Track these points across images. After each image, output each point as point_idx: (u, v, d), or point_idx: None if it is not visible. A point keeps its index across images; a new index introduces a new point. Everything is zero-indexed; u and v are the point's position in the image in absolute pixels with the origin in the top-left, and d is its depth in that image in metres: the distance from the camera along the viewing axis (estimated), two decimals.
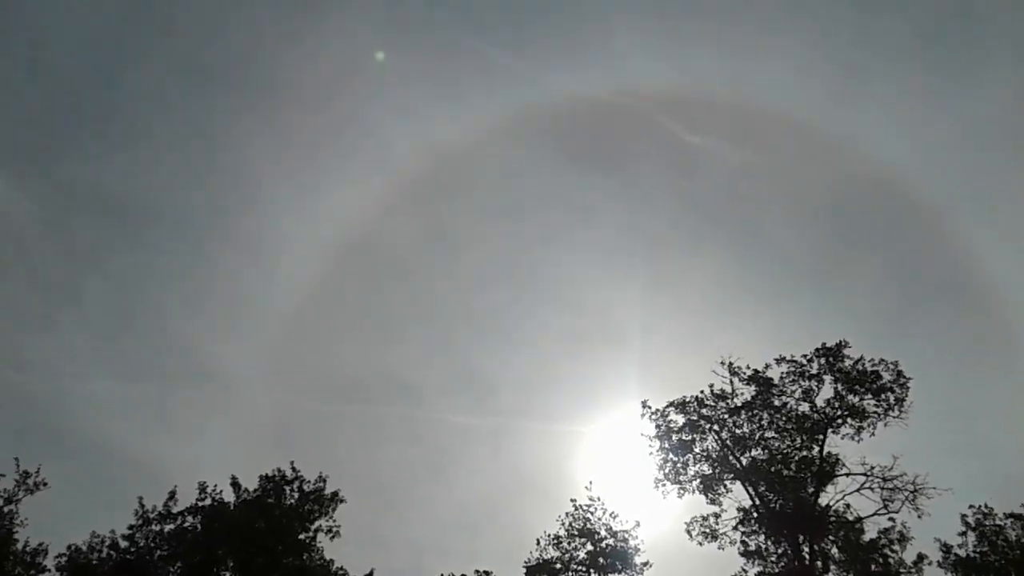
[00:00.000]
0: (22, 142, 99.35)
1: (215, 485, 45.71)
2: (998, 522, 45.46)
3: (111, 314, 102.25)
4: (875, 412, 43.98)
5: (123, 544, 43.71)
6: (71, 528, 55.27)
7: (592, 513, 48.49)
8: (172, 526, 44.49)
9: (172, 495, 45.45)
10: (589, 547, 47.56)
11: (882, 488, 43.10)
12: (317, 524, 45.99)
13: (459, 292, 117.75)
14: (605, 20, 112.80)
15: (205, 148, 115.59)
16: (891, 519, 43.58)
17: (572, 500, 48.79)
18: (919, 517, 42.88)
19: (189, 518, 44.65)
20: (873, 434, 44.34)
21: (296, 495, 46.18)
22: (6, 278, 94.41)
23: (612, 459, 60.13)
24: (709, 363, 47.18)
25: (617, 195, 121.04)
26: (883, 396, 43.92)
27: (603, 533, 47.95)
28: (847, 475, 44.13)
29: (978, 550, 45.21)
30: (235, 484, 45.95)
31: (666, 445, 46.58)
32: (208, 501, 45.12)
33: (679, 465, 46.44)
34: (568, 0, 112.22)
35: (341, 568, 45.89)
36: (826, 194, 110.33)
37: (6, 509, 41.38)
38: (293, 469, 47.01)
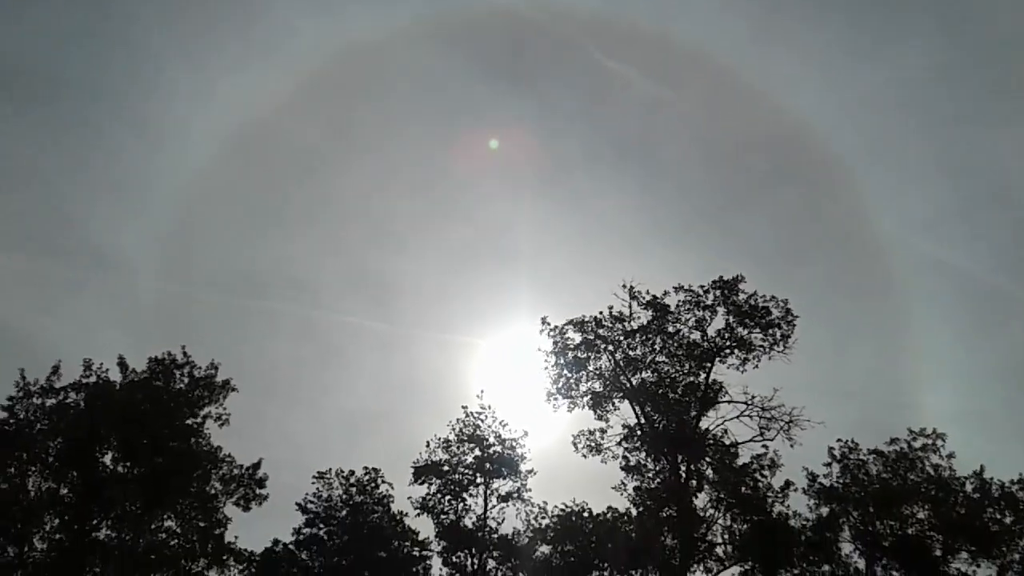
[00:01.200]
0: None
1: (101, 363, 44.91)
2: (862, 456, 48.20)
3: None
4: (761, 345, 45.56)
5: (1, 415, 42.78)
6: None
7: (482, 420, 49.80)
8: (54, 401, 43.77)
9: (56, 370, 44.51)
10: (477, 452, 48.97)
11: (760, 417, 44.99)
12: (207, 411, 45.95)
13: (358, 194, 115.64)
14: None
15: (100, 12, 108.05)
16: (764, 446, 45.70)
17: (464, 407, 49.94)
18: (791, 447, 45.07)
19: (72, 394, 43.95)
20: (757, 366, 46.03)
21: (186, 380, 45.75)
22: None
23: (504, 372, 61.45)
24: (604, 288, 48.04)
25: (527, 113, 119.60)
26: (770, 331, 45.45)
27: (491, 440, 49.34)
28: (729, 402, 45.88)
29: (841, 480, 47.98)
30: (122, 364, 45.23)
31: (561, 361, 47.47)
32: (93, 379, 44.34)
33: (572, 381, 47.49)
34: None
35: (228, 455, 46.10)
36: (735, 136, 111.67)
37: None
38: (184, 354, 46.50)
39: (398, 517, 48.60)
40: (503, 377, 61.58)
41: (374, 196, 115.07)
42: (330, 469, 49.55)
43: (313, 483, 49.14)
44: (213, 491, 44.91)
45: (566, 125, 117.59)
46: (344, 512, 48.03)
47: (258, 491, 45.58)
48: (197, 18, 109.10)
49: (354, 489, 48.93)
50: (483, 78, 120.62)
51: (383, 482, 49.72)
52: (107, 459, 43.96)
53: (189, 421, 45.12)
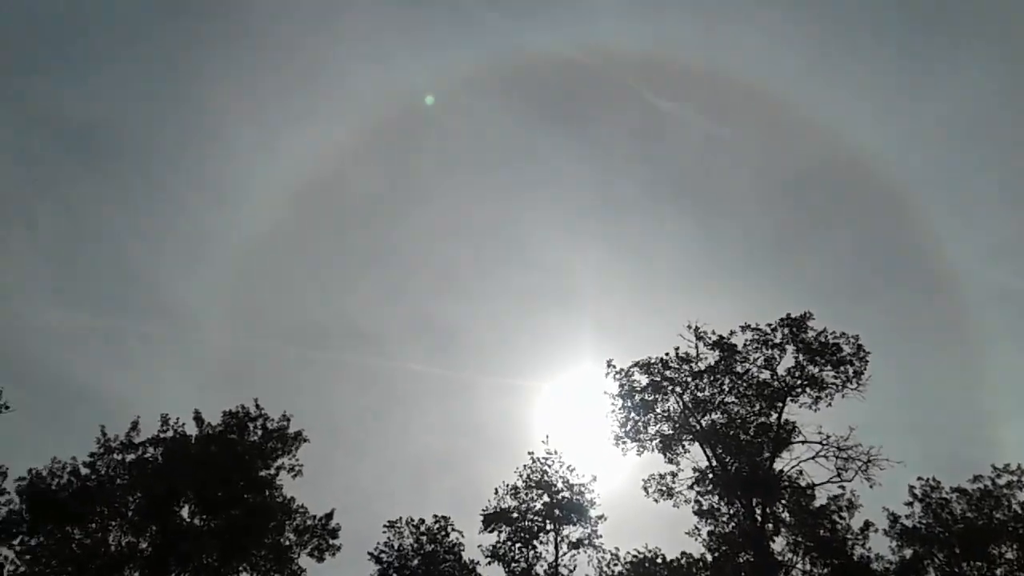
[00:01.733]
0: None
1: (177, 418, 46.00)
2: (944, 495, 46.77)
3: (67, 242, 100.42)
4: (834, 383, 44.73)
5: (84, 471, 43.95)
6: (21, 455, 55.53)
7: (549, 466, 49.42)
8: (133, 456, 44.85)
9: (134, 425, 45.71)
10: (546, 498, 48.54)
11: (836, 457, 43.98)
12: (280, 462, 46.57)
13: (419, 242, 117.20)
14: None
15: (171, 80, 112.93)
16: (842, 487, 44.70)
17: (530, 453, 49.72)
18: (871, 487, 43.85)
19: (151, 449, 44.99)
20: (830, 404, 45.14)
21: (260, 432, 46.52)
22: None
23: (567, 415, 60.96)
24: (666, 328, 47.93)
25: (583, 156, 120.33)
26: (842, 368, 44.63)
27: (560, 485, 48.92)
28: (803, 442, 44.99)
29: (924, 521, 46.57)
30: (198, 418, 46.21)
31: (628, 404, 47.24)
32: (170, 433, 45.39)
33: (640, 424, 47.17)
34: None
35: (301, 506, 46.61)
36: (794, 170, 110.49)
37: None
38: (257, 406, 47.36)
39: (470, 566, 48.25)
40: (567, 420, 61.29)
41: (435, 243, 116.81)
42: (400, 518, 49.58)
43: (384, 532, 49.15)
44: (287, 542, 45.34)
45: (623, 166, 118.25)
46: (416, 561, 47.90)
47: (331, 541, 45.91)
48: (259, 76, 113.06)
49: (424, 538, 48.80)
50: (539, 123, 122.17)
51: (453, 530, 49.51)
52: (184, 512, 44.73)
53: (263, 473, 45.78)
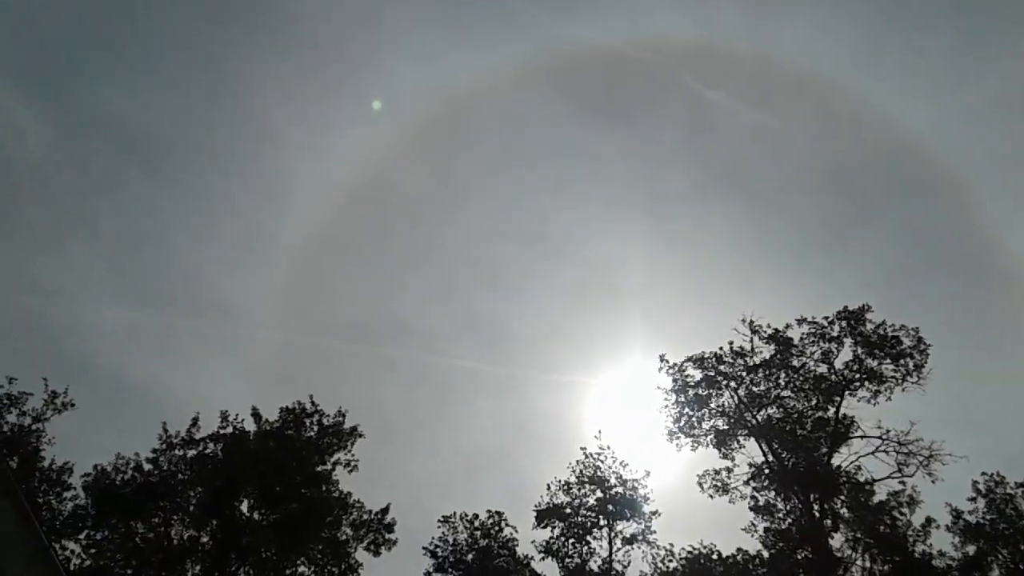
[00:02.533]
0: (43, 71, 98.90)
1: (236, 414, 46.68)
2: (1009, 490, 45.64)
3: (123, 243, 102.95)
4: (893, 377, 44.06)
5: (147, 467, 44.86)
6: (79, 450, 57.05)
7: (602, 461, 49.27)
8: (194, 452, 45.55)
9: (195, 422, 46.39)
10: (599, 494, 48.41)
11: (897, 452, 43.35)
12: (336, 457, 47.02)
13: (466, 239, 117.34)
14: None
15: (221, 83, 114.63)
16: (902, 483, 43.96)
17: (582, 448, 49.63)
18: (932, 482, 43.22)
19: (211, 445, 45.68)
20: (890, 399, 44.55)
21: (315, 428, 47.06)
22: (24, 204, 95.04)
23: (618, 410, 60.67)
24: (716, 322, 47.70)
25: (629, 149, 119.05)
26: (902, 361, 43.92)
27: (613, 481, 48.75)
28: (862, 437, 44.44)
29: (987, 517, 45.49)
30: (256, 414, 46.89)
31: (682, 399, 46.98)
32: (230, 429, 46.08)
33: (694, 419, 46.87)
34: None
35: (357, 500, 47.02)
36: (845, 159, 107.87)
37: (34, 427, 42.47)
38: (312, 403, 47.86)
39: (524, 561, 48.33)
40: (617, 415, 61.12)
41: (482, 240, 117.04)
42: (454, 513, 49.88)
43: (438, 527, 49.50)
44: (344, 537, 45.76)
45: (670, 158, 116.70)
46: (470, 556, 48.14)
47: (387, 536, 46.23)
48: (305, 78, 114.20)
49: (479, 533, 49.01)
50: (584, 117, 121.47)
51: (507, 525, 49.65)
52: (244, 507, 45.44)
53: (320, 468, 46.26)
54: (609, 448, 49.55)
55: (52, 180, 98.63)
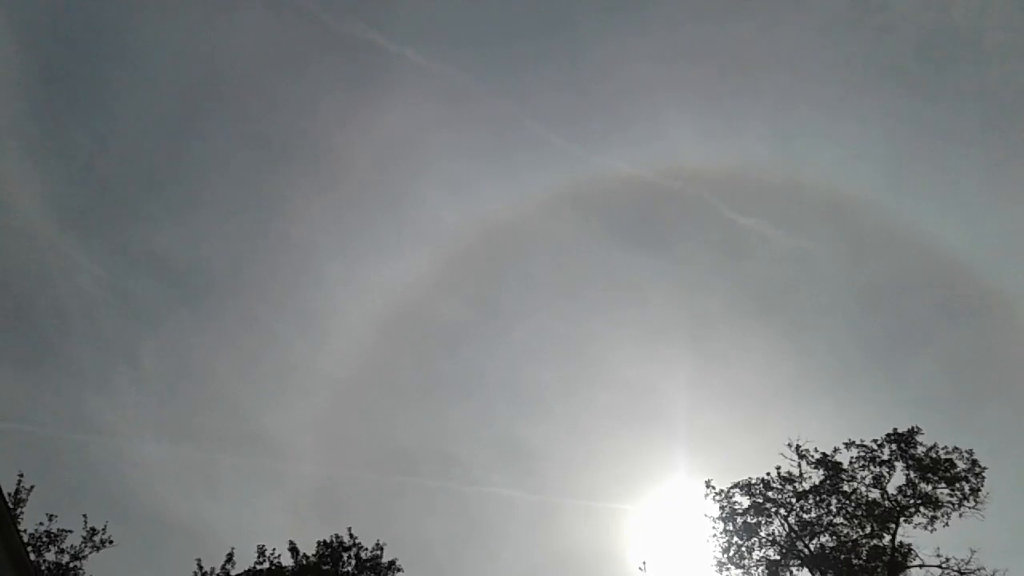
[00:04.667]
0: (89, 207, 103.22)
1: (273, 548, 45.79)
2: None
3: (164, 376, 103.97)
4: (949, 502, 42.63)
5: None
6: None
7: None
8: None
9: (230, 557, 45.48)
10: None
11: None
12: None
13: (505, 367, 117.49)
14: (656, 102, 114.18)
15: (261, 218, 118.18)
16: None
17: None
18: None
19: None
20: (947, 524, 42.85)
21: (353, 562, 45.97)
22: (71, 340, 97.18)
23: (659, 538, 59.00)
24: (760, 444, 46.65)
25: (665, 275, 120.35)
26: (958, 485, 42.60)
27: None
28: (920, 566, 42.51)
29: None
30: (293, 549, 45.91)
31: (731, 527, 45.47)
32: (266, 564, 45.09)
33: (744, 548, 45.23)
34: (618, 81, 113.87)
35: None
36: (884, 281, 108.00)
37: (71, 565, 41.82)
38: (351, 535, 46.96)
39: None
40: (659, 543, 59.14)
41: (520, 367, 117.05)
42: None
43: None
44: None
45: (705, 282, 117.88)
46: None
47: None
48: (343, 209, 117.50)
49: None
50: (619, 244, 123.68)
51: None
52: None
53: None
54: None
55: (99, 315, 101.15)
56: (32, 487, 40.88)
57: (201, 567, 45.05)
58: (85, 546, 42.21)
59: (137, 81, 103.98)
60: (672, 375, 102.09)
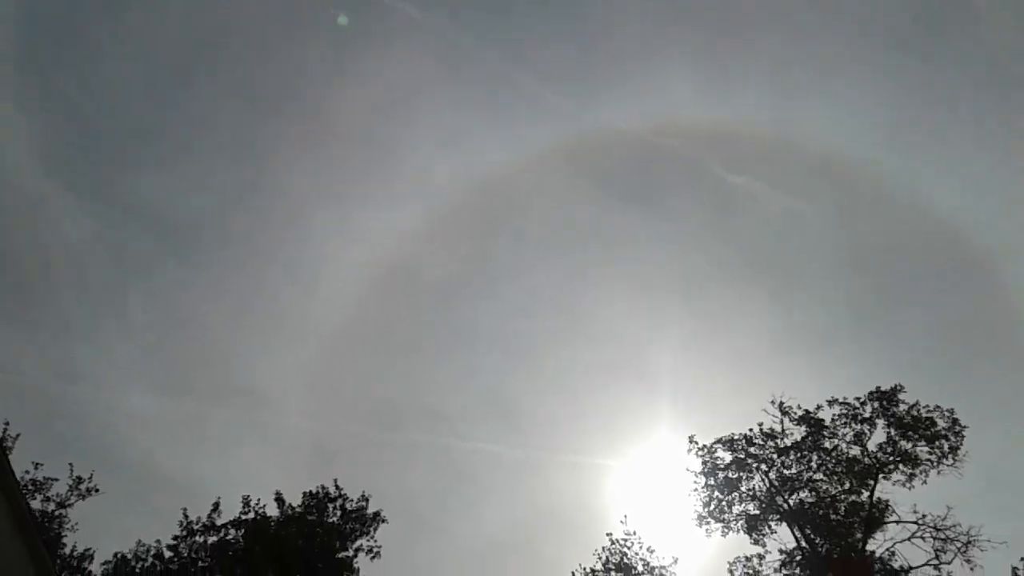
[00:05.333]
0: (77, 157, 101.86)
1: (259, 499, 46.14)
2: None
3: (153, 328, 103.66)
4: (928, 460, 43.09)
5: (167, 554, 44.20)
6: (106, 537, 56.33)
7: (628, 547, 47.89)
8: (215, 538, 44.91)
9: (216, 507, 45.90)
10: None
11: (934, 538, 42.03)
12: (358, 543, 46.18)
13: (495, 322, 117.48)
14: (653, 60, 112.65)
15: (251, 170, 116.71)
16: (939, 570, 42.48)
17: (608, 534, 48.27)
18: (971, 569, 41.54)
19: (232, 531, 45.03)
20: (925, 482, 43.40)
21: (339, 513, 46.41)
22: (59, 290, 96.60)
23: (643, 492, 59.62)
24: (744, 404, 46.94)
25: (658, 232, 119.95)
26: (937, 443, 43.02)
27: (640, 568, 47.33)
28: (897, 522, 43.12)
29: None
30: (279, 499, 46.30)
31: (712, 482, 46.02)
32: (252, 515, 45.48)
33: (724, 503, 45.84)
34: (615, 39, 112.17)
35: None
36: (873, 241, 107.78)
37: (57, 513, 42.11)
38: (336, 487, 47.35)
39: None
40: (642, 498, 59.86)
41: (509, 323, 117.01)
42: None
43: None
44: None
45: (696, 240, 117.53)
46: None
47: None
48: (334, 162, 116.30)
49: None
50: (612, 200, 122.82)
51: None
52: None
53: (342, 554, 45.41)
54: (635, 533, 48.38)
55: (88, 266, 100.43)
56: (18, 435, 41.12)
57: (187, 517, 45.43)
58: (71, 494, 42.55)
59: (126, 30, 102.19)
60: (660, 331, 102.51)
